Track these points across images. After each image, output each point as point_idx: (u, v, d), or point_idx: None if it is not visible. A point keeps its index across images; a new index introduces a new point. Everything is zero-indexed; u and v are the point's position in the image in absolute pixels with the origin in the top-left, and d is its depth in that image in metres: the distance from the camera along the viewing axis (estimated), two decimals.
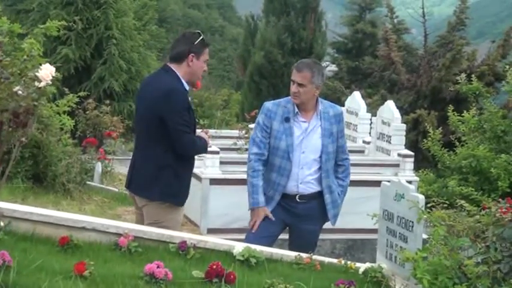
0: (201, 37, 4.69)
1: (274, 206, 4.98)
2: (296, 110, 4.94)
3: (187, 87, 4.68)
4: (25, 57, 3.47)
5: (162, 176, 4.58)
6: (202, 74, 4.76)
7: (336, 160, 5.07)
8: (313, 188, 4.98)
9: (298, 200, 4.97)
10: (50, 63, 3.54)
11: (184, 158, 4.68)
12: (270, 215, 4.95)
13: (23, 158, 7.42)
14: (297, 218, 5.00)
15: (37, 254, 3.52)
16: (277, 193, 4.97)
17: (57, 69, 4.23)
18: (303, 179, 4.94)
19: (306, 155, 4.93)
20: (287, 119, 4.92)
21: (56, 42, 13.66)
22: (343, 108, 9.04)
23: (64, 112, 8.75)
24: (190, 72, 4.67)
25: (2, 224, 3.54)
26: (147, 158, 4.63)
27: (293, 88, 4.92)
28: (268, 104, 5.04)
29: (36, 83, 3.40)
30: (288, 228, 5.13)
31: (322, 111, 4.97)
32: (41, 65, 3.47)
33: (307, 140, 4.93)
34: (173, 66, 4.67)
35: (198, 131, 4.88)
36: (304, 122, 4.95)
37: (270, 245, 4.76)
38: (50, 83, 3.45)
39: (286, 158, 4.91)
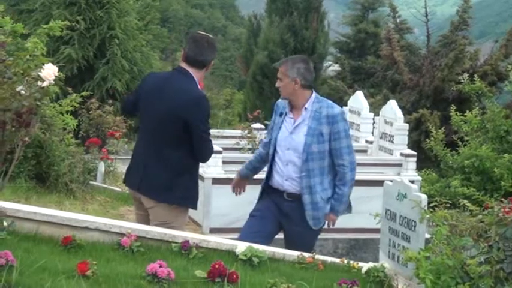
0: None
1: (269, 201, 4.99)
2: (288, 106, 4.99)
3: None
4: (28, 56, 3.46)
5: (182, 180, 4.58)
6: None
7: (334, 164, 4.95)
8: (298, 187, 4.90)
9: (286, 197, 4.96)
10: (53, 63, 3.53)
11: (198, 162, 4.72)
12: (238, 179, 5.24)
13: (25, 158, 7.41)
14: (285, 217, 4.97)
15: (40, 253, 3.52)
16: (264, 182, 5.07)
17: (60, 69, 4.24)
18: (288, 175, 4.93)
19: (289, 152, 4.93)
20: (281, 114, 5.01)
21: (58, 42, 13.68)
22: (345, 108, 9.10)
23: (67, 112, 8.76)
24: (202, 78, 4.70)
25: (5, 223, 3.53)
26: (165, 161, 4.56)
27: (276, 83, 5.01)
28: (278, 101, 5.12)
29: (39, 83, 3.40)
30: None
31: (314, 110, 4.90)
32: (43, 64, 3.46)
33: (291, 137, 4.94)
34: (192, 71, 4.61)
35: None
36: (291, 118, 4.98)
37: (264, 240, 4.68)
38: (53, 82, 3.45)
39: (270, 150, 5.03)
